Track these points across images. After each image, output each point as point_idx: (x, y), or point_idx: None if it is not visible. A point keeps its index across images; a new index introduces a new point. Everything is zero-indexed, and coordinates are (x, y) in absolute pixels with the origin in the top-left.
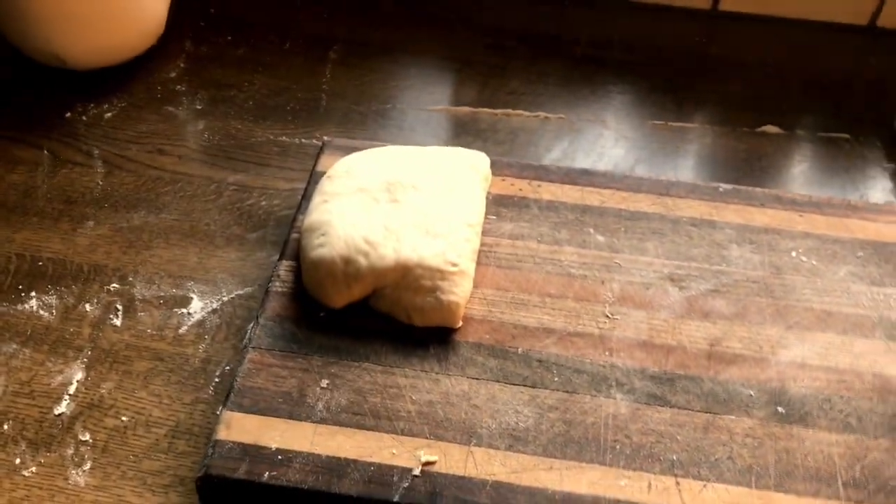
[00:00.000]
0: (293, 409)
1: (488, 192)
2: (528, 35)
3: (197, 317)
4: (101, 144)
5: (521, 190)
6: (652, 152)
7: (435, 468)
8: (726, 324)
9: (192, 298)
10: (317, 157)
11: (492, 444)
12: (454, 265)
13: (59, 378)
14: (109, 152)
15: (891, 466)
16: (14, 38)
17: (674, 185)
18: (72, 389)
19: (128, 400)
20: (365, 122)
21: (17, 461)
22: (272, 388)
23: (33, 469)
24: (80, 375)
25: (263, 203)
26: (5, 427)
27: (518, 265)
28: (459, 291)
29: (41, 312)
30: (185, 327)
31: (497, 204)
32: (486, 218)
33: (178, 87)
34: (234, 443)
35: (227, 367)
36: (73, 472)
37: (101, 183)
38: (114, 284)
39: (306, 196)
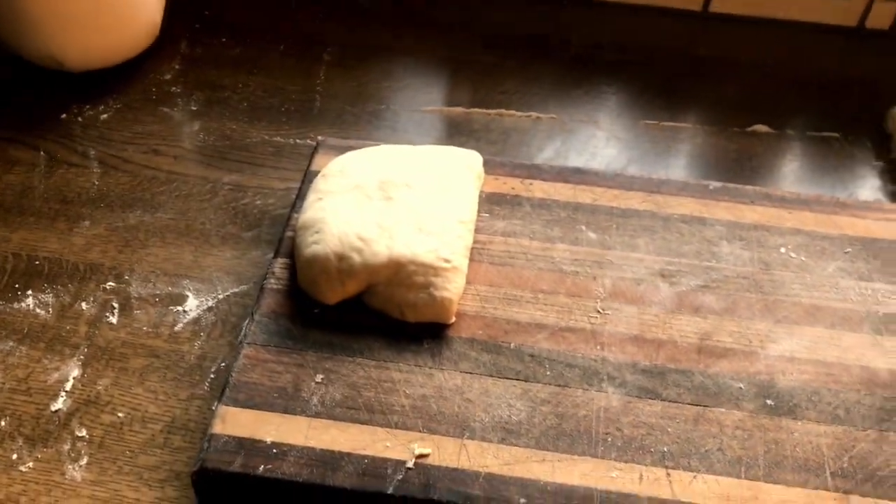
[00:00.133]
0: (288, 403)
1: (481, 191)
2: (520, 36)
3: (192, 314)
4: (98, 145)
5: (513, 188)
6: (644, 152)
7: (428, 461)
8: (716, 318)
9: (187, 296)
10: (311, 156)
11: (485, 437)
12: (447, 262)
13: (56, 375)
14: (105, 153)
15: (878, 457)
16: (11, 39)
17: (665, 183)
18: (68, 386)
19: (124, 396)
20: (359, 123)
21: (14, 457)
22: (267, 383)
23: (30, 464)
24: (76, 372)
25: (258, 202)
26: (2, 423)
27: (511, 262)
28: (452, 287)
29: (38, 311)
30: (180, 324)
31: (490, 202)
32: (479, 216)
33: (174, 88)
34: (229, 437)
35: (223, 364)
36: (69, 467)
37: (97, 183)
38: (110, 283)
39: (301, 195)
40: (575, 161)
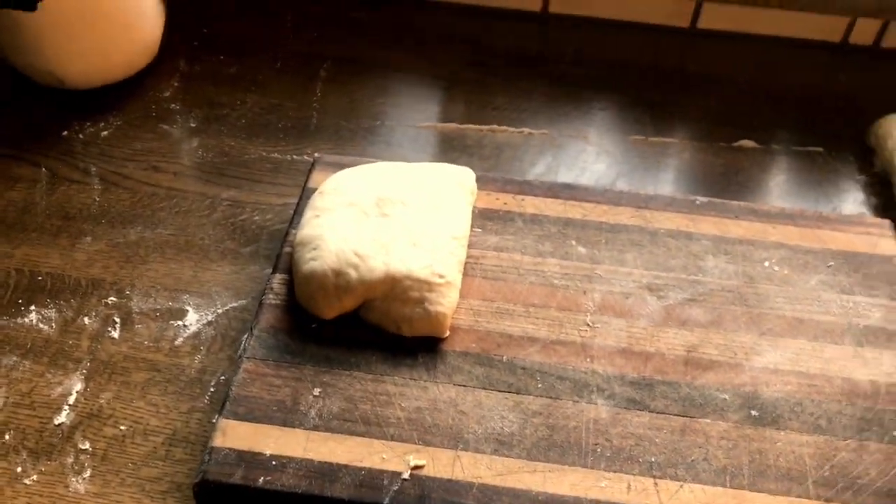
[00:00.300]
0: (287, 416)
1: (474, 206)
2: (512, 54)
3: (192, 329)
4: (98, 162)
5: (505, 204)
6: (632, 167)
7: (423, 472)
8: (702, 331)
9: (187, 311)
10: (308, 173)
11: (478, 448)
12: (441, 277)
13: (59, 389)
14: (106, 169)
15: (858, 465)
16: (13, 57)
17: (652, 199)
18: (71, 400)
19: (126, 409)
20: (355, 139)
21: (19, 469)
22: (266, 397)
23: (34, 477)
24: (79, 386)
25: (256, 218)
26: (7, 437)
27: (503, 276)
28: (446, 302)
29: (41, 325)
30: (181, 339)
31: (483, 217)
32: (472, 231)
33: (173, 105)
34: (229, 449)
35: (222, 377)
36: (73, 479)
37: (98, 199)
38: (111, 298)
39: (298, 211)
40: (566, 175)
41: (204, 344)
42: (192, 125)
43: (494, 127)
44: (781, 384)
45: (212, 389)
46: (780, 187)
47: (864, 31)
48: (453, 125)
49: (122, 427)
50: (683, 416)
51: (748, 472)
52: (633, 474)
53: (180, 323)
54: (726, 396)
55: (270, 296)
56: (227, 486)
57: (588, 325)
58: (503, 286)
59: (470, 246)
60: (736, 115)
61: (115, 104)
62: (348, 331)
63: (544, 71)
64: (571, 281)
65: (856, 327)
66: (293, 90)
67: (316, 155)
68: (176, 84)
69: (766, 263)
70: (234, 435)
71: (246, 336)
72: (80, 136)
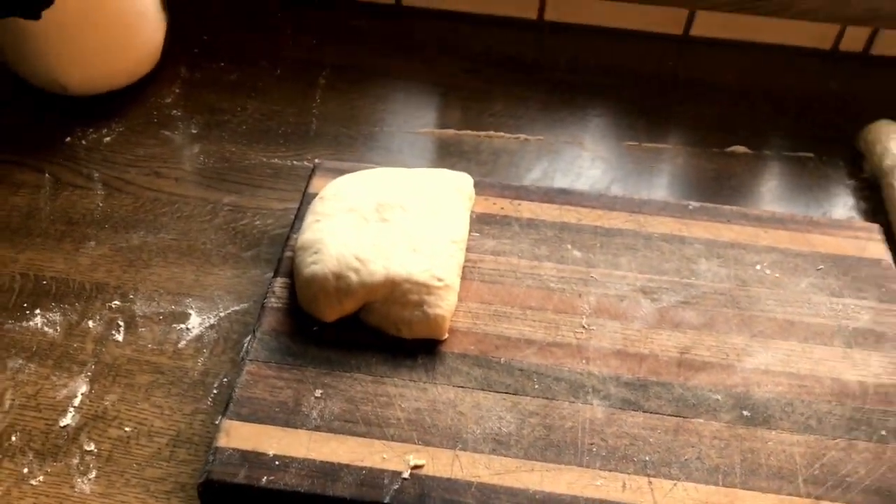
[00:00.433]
0: (289, 417)
1: (472, 211)
2: (508, 61)
3: (195, 332)
4: (101, 168)
5: (502, 209)
6: (627, 172)
7: (423, 471)
8: (695, 333)
9: (190, 314)
10: (308, 178)
11: (476, 448)
12: (440, 280)
13: (64, 391)
14: (109, 175)
15: (847, 464)
16: (16, 64)
17: (646, 203)
18: (76, 402)
19: (130, 411)
20: (354, 145)
21: (25, 471)
22: (269, 398)
23: (41, 478)
24: (84, 389)
25: (257, 223)
26: (13, 439)
27: (500, 280)
28: (445, 305)
29: (46, 329)
30: (184, 342)
31: (480, 222)
32: (470, 235)
33: (174, 111)
34: (233, 450)
35: (225, 379)
36: (78, 480)
37: (101, 205)
38: (115, 302)
39: (299, 216)
40: (561, 181)
41: (206, 347)
42: (194, 131)
43: (491, 133)
44: (772, 385)
45: (214, 391)
46: (771, 192)
47: (855, 39)
48: (451, 131)
49: (126, 428)
50: (677, 417)
51: (740, 470)
52: (628, 473)
53: (183, 326)
54: (719, 397)
55: (272, 299)
56: (230, 485)
57: (584, 327)
58: (501, 289)
59: (468, 250)
60: (728, 121)
61: (117, 111)
62: (349, 333)
63: (540, 78)
64: (567, 284)
65: (845, 329)
66: (293, 97)
67: (316, 160)
68: (177, 91)
69: (758, 267)
70: (238, 435)
71: (248, 339)
72: (83, 142)
